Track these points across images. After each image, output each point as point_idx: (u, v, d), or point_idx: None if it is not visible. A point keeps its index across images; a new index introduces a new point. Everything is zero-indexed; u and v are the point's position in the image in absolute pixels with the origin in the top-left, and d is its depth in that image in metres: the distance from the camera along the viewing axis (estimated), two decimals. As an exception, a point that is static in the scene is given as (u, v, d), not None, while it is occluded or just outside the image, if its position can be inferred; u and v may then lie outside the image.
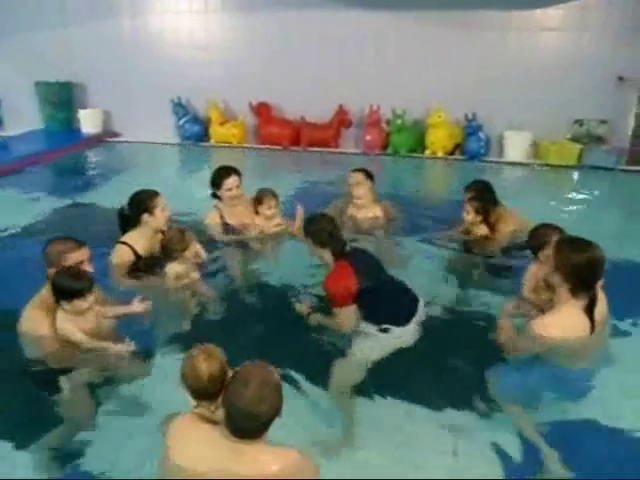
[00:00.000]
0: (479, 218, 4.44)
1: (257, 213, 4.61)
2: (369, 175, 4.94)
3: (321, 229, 3.42)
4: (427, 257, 4.64)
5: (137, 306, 3.23)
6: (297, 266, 4.40)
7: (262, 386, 1.96)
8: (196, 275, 3.81)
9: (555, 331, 2.75)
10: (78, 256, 3.04)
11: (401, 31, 8.45)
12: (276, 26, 8.94)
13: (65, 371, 2.89)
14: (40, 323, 2.89)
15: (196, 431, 2.09)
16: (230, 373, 2.16)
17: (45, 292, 3.00)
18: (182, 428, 2.13)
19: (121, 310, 3.24)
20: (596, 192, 7.02)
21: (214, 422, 2.11)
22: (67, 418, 2.77)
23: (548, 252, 3.16)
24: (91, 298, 2.91)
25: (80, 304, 2.87)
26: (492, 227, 4.47)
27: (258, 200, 4.59)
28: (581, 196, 6.76)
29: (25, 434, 2.74)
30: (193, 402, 2.21)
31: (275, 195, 4.64)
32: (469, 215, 4.44)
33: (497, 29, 8.15)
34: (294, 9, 8.72)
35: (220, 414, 2.10)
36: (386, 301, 3.29)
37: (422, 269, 4.42)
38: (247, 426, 1.97)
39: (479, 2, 8.05)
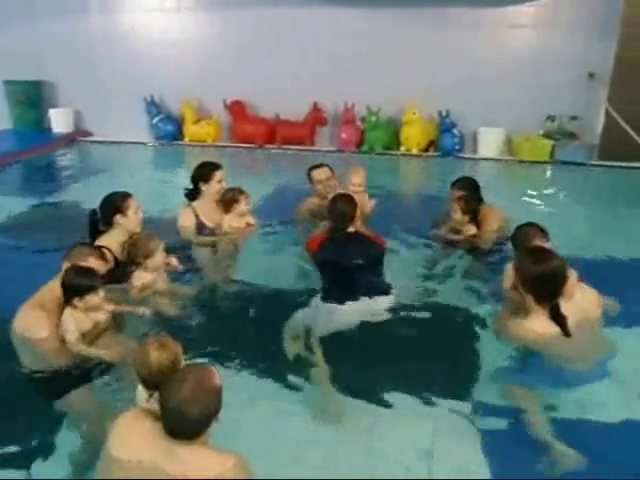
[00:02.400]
0: (467, 218, 4.39)
1: (228, 212, 4.58)
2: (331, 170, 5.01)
3: (335, 206, 3.77)
4: (414, 256, 4.64)
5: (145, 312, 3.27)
6: (272, 263, 4.44)
7: (197, 388, 1.93)
8: (161, 286, 3.69)
9: (524, 333, 2.83)
10: (97, 265, 3.08)
11: (375, 29, 8.45)
12: (250, 24, 8.88)
13: (65, 372, 2.87)
14: (37, 323, 2.85)
15: (136, 427, 2.05)
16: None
17: (45, 291, 2.99)
18: (124, 424, 2.09)
19: (126, 309, 3.28)
20: (568, 187, 7.14)
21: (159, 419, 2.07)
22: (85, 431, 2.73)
23: None
24: (102, 293, 2.95)
25: (92, 299, 2.91)
26: (478, 226, 4.45)
27: (234, 199, 4.55)
28: (554, 191, 6.86)
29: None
30: (145, 394, 2.20)
31: (247, 192, 4.65)
32: (457, 214, 4.39)
33: (469, 26, 8.20)
34: (268, 7, 8.68)
35: None
36: (335, 282, 3.67)
37: (411, 268, 4.40)
38: (177, 427, 1.93)
39: (451, 0, 8.09)
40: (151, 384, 2.17)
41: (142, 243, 3.56)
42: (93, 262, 3.07)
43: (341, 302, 3.54)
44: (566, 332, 2.74)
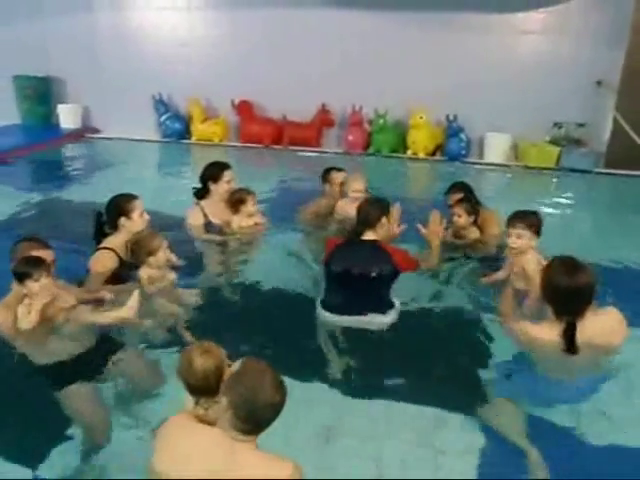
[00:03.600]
0: (471, 219, 4.38)
1: (236, 212, 4.60)
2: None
3: (362, 206, 3.67)
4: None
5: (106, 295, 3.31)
6: (280, 261, 4.47)
7: (274, 376, 1.99)
8: (172, 276, 3.73)
9: (524, 337, 2.83)
10: (41, 255, 3.08)
11: (383, 32, 8.46)
12: (259, 24, 8.90)
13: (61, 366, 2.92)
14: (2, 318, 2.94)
15: (187, 431, 2.06)
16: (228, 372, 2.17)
17: (11, 290, 3.05)
18: (173, 429, 2.10)
19: (89, 296, 3.29)
20: (574, 194, 7.12)
21: (208, 422, 2.08)
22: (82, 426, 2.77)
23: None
24: (44, 281, 2.93)
25: (32, 285, 2.90)
26: (480, 229, 4.45)
27: (241, 200, 4.58)
28: (560, 198, 6.85)
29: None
30: (192, 401, 2.20)
31: (254, 192, 4.67)
32: (461, 218, 4.35)
33: (479, 31, 8.20)
34: (278, 7, 8.69)
35: (212, 413, 2.10)
36: (331, 289, 3.62)
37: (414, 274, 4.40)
38: (270, 417, 1.97)
39: (461, 4, 8.09)
40: (197, 390, 2.18)
41: (146, 241, 3.57)
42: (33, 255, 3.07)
43: (336, 312, 3.52)
44: (570, 350, 2.67)
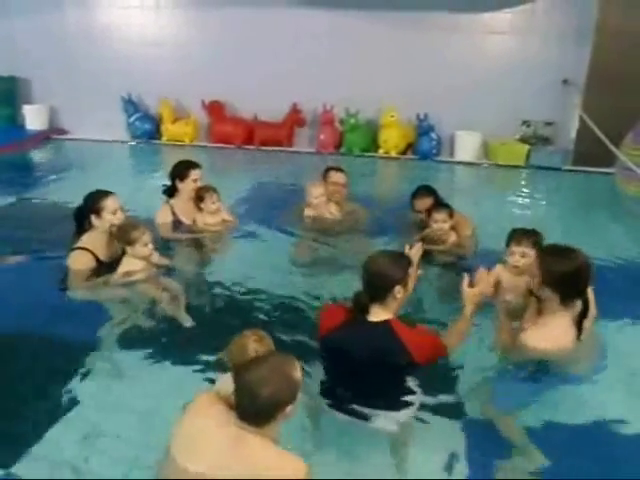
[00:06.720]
0: (451, 223, 4.32)
1: (200, 210, 4.62)
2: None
3: (371, 270, 2.65)
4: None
5: None
6: (249, 261, 4.45)
7: (273, 371, 1.95)
8: (145, 275, 3.72)
9: (545, 344, 2.72)
10: None
11: (353, 31, 8.47)
12: (229, 24, 8.84)
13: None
14: None
15: (208, 410, 2.07)
16: None
17: None
18: (196, 405, 2.12)
19: None
20: (544, 191, 7.24)
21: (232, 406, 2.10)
22: None
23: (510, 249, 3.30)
24: None
25: None
26: (455, 232, 4.41)
27: (199, 197, 4.60)
28: (530, 195, 6.95)
29: None
30: (229, 384, 2.16)
31: (215, 190, 4.65)
32: (446, 223, 4.27)
33: (447, 31, 8.28)
34: (248, 6, 8.64)
35: None
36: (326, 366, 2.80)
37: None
38: (245, 405, 1.94)
39: (430, 4, 8.15)
40: None
41: (126, 229, 3.64)
42: None
43: (340, 405, 2.66)
44: (580, 334, 2.73)
